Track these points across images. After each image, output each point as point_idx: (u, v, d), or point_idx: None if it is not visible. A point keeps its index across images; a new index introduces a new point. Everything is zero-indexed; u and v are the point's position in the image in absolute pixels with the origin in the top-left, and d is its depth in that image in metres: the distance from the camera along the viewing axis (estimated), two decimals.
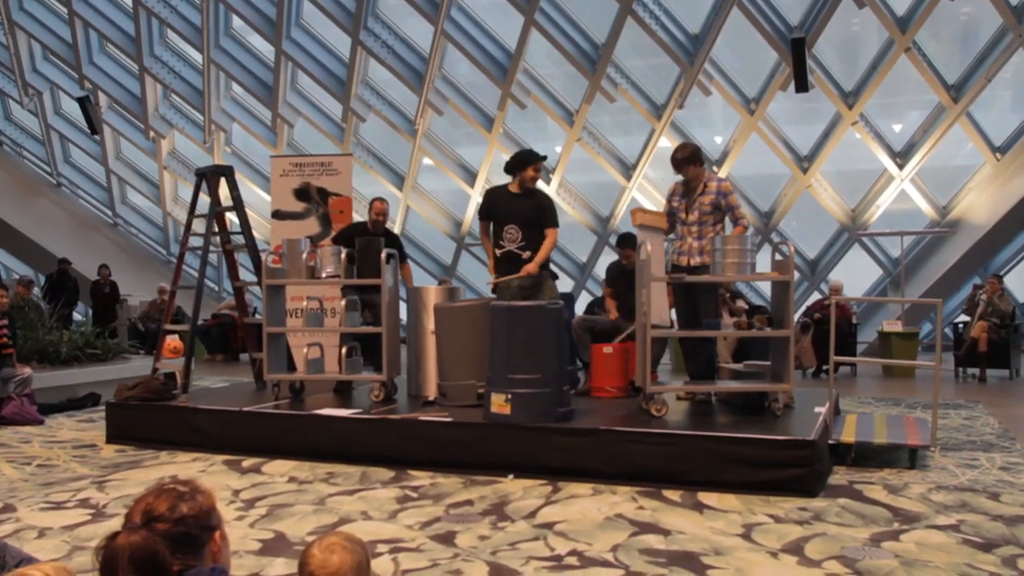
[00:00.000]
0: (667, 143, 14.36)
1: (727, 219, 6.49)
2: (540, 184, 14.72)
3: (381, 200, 7.94)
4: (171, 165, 18.16)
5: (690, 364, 6.67)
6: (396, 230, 16.40)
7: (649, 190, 15.06)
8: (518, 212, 6.79)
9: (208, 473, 5.92)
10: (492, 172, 15.29)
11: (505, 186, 6.89)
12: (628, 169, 14.93)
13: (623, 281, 7.58)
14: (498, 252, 6.80)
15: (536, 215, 6.75)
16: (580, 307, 10.19)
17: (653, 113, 14.06)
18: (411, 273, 7.82)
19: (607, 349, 7.15)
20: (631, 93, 13.92)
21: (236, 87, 16.73)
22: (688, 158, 6.43)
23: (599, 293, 14.35)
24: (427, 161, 16.22)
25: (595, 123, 14.81)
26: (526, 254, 6.73)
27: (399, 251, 7.66)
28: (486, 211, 6.84)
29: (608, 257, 15.31)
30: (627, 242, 7.69)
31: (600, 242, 15.56)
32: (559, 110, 14.67)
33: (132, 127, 18.01)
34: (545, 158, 6.88)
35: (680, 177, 6.56)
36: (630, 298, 6.88)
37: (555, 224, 6.77)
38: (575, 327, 7.48)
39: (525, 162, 6.73)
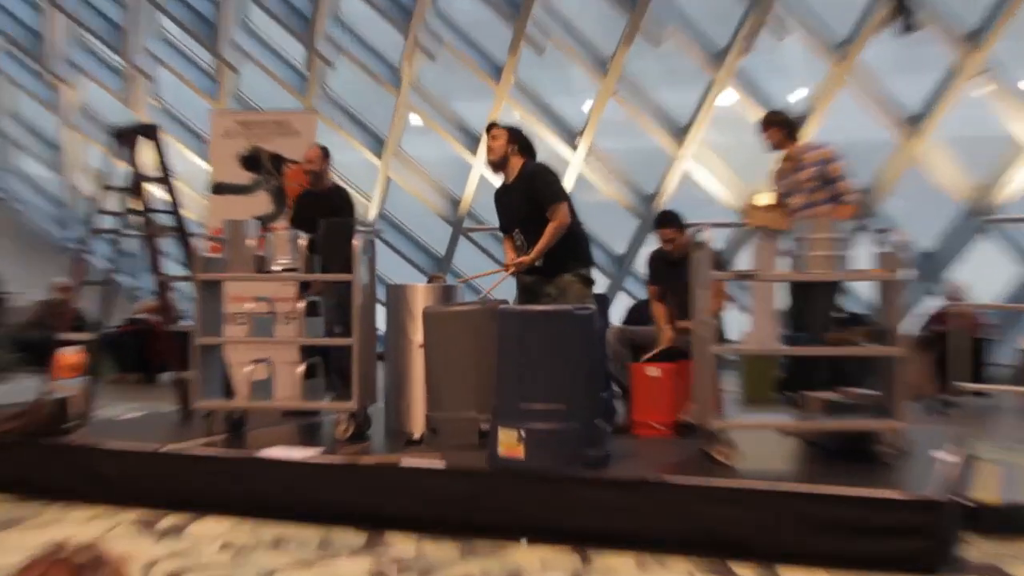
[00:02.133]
0: (729, 98, 14.22)
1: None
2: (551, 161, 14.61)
3: (311, 146, 8.20)
4: (77, 121, 18.16)
5: (792, 385, 6.66)
6: (373, 208, 16.37)
7: (705, 158, 14.90)
8: (512, 210, 6.85)
9: (113, 536, 5.78)
10: None
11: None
12: (679, 132, 14.78)
13: (670, 274, 7.47)
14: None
15: (527, 204, 6.70)
16: (617, 313, 10.03)
17: (711, 60, 13.95)
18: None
19: (653, 370, 7.02)
20: (683, 35, 13.84)
21: (166, 21, 16.71)
22: (779, 124, 6.92)
23: (642, 295, 14.32)
24: (415, 120, 16.15)
25: (636, 73, 14.70)
26: (541, 262, 6.75)
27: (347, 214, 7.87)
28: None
29: (653, 246, 15.14)
30: (668, 221, 7.64)
31: (642, 227, 15.42)
32: (588, 56, 14.61)
33: (26, 71, 17.99)
34: (493, 125, 6.94)
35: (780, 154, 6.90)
36: (683, 297, 6.77)
37: (556, 198, 6.70)
38: (611, 340, 7.41)
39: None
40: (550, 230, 6.62)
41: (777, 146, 7.19)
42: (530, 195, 6.70)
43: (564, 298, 6.65)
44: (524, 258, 6.66)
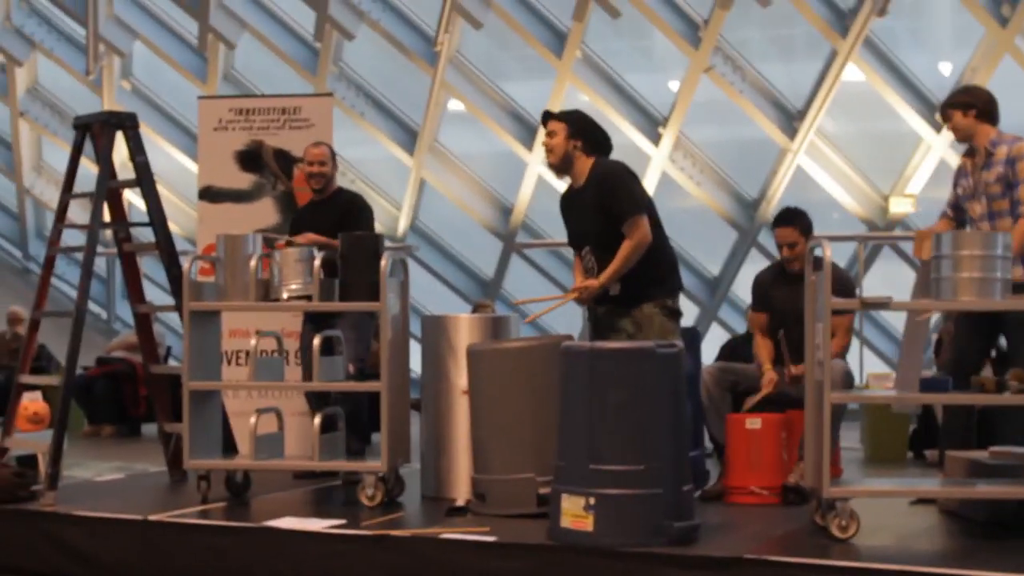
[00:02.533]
0: (856, 74, 14.27)
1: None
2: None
3: (316, 144, 8.32)
4: (32, 110, 18.46)
5: (929, 442, 6.72)
6: (403, 219, 16.60)
7: (828, 155, 14.98)
8: (581, 222, 6.88)
9: None
10: None
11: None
12: (790, 119, 14.88)
13: (787, 296, 7.45)
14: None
15: (598, 216, 6.74)
16: (709, 351, 10.16)
17: (834, 24, 14.01)
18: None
19: (753, 423, 7.11)
20: None
21: None
22: (963, 106, 6.76)
23: (740, 326, 14.39)
24: (455, 105, 16.29)
25: (735, 42, 14.79)
26: (616, 289, 6.75)
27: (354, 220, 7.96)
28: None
29: (756, 267, 15.23)
30: (791, 218, 7.59)
31: (743, 240, 15.51)
32: (675, 20, 14.67)
33: None
34: (548, 117, 6.94)
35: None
36: (797, 330, 6.78)
37: (634, 209, 6.66)
38: (708, 383, 7.44)
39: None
40: (625, 250, 6.59)
41: (962, 135, 7.06)
42: (602, 204, 6.68)
43: (643, 334, 6.66)
44: (591, 282, 6.67)
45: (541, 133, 14.49)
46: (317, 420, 7.08)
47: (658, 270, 6.74)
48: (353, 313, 7.65)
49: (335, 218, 7.98)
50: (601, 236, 6.70)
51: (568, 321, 7.34)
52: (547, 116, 6.92)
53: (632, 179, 6.80)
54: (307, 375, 7.66)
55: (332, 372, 7.29)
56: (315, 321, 7.86)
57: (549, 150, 6.85)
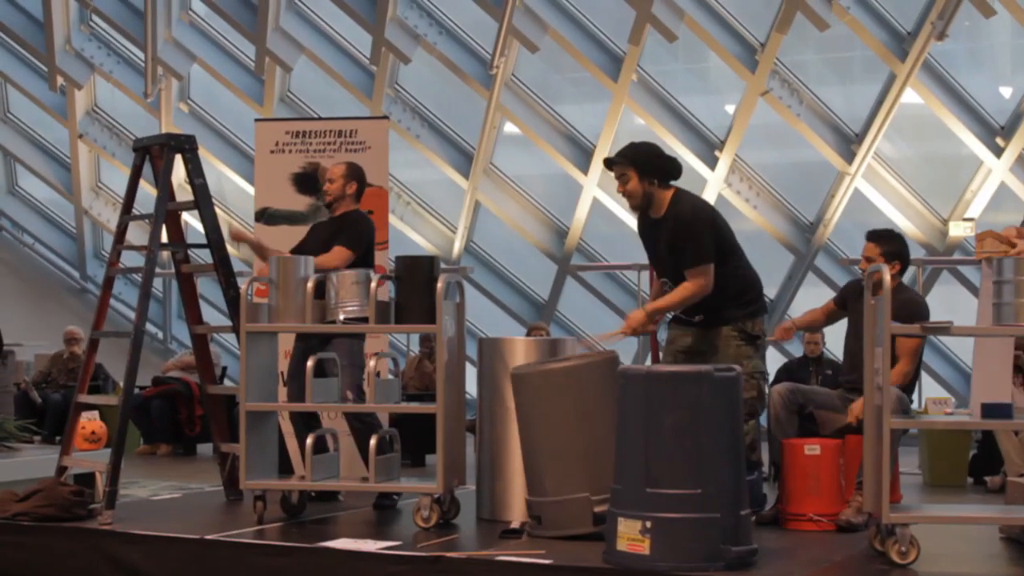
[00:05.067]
0: (914, 97, 14.20)
1: None
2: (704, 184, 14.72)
3: (338, 163, 8.17)
4: (91, 132, 18.66)
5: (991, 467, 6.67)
6: (458, 241, 16.64)
7: (886, 178, 14.92)
8: (659, 254, 7.02)
9: None
10: (618, 148, 15.31)
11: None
12: (848, 142, 14.83)
13: (861, 310, 7.40)
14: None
15: (674, 254, 6.87)
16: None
17: (893, 48, 13.97)
18: (330, 259, 7.69)
19: (811, 448, 7.09)
20: (856, 14, 13.85)
21: (198, 3, 17.13)
22: None
23: (797, 350, 14.31)
24: (511, 128, 16.34)
25: (792, 65, 14.77)
26: (698, 318, 6.87)
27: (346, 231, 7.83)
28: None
29: (813, 291, 15.19)
30: (878, 236, 7.49)
31: (800, 264, 15.45)
32: (731, 43, 14.67)
33: (28, 70, 18.53)
34: (612, 163, 7.00)
35: None
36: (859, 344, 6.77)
37: (700, 259, 6.79)
38: (775, 404, 7.39)
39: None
40: (684, 291, 6.77)
41: None
42: (676, 243, 6.84)
43: (717, 358, 6.74)
44: (636, 313, 6.81)
45: (598, 156, 14.64)
46: (373, 441, 7.12)
47: (737, 295, 6.86)
48: (346, 340, 7.62)
49: (326, 236, 7.90)
50: (675, 273, 6.89)
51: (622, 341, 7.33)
52: (610, 162, 7.00)
53: (705, 226, 6.88)
54: (299, 396, 7.60)
55: (324, 394, 7.31)
56: (307, 342, 7.79)
57: (627, 195, 6.97)
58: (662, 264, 7.05)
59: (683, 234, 6.81)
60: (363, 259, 7.79)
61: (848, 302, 7.62)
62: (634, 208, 7.07)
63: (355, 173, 8.07)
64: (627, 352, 15.10)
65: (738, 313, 6.90)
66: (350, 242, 7.75)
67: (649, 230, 7.08)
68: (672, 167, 6.98)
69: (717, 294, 6.81)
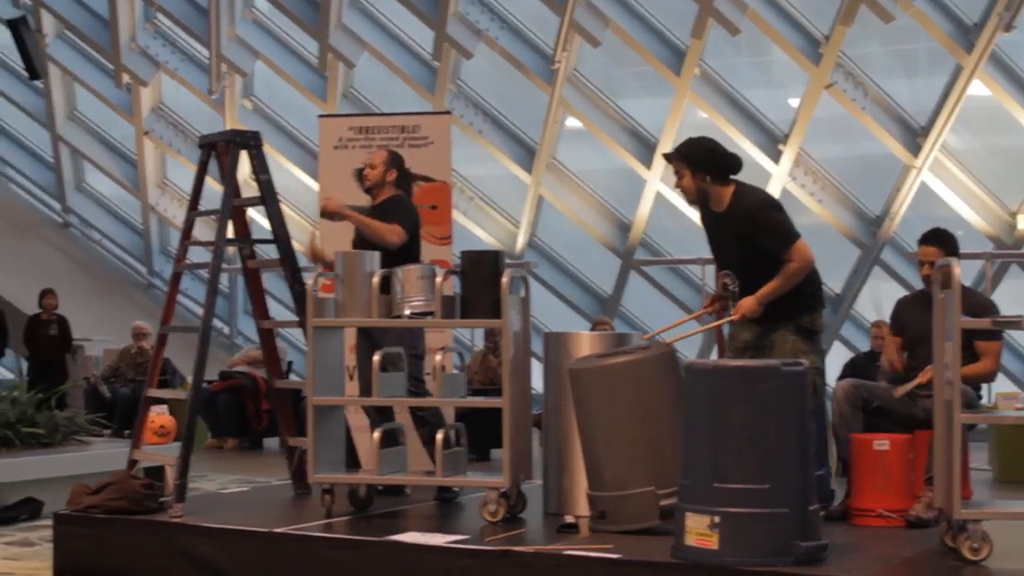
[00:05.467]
0: (981, 89, 14.09)
1: None
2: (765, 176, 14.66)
3: (380, 151, 8.17)
4: (156, 129, 18.84)
5: None
6: (521, 236, 16.66)
7: (953, 171, 14.81)
8: (724, 247, 7.00)
9: None
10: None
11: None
12: (914, 135, 14.73)
13: (918, 318, 7.36)
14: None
15: (742, 246, 6.85)
16: (833, 369, 10.08)
17: (959, 39, 13.86)
18: (389, 230, 7.72)
19: (881, 443, 7.05)
20: (921, 6, 13.76)
21: (261, 1, 17.25)
22: None
23: (864, 344, 14.25)
24: (573, 123, 16.34)
25: (857, 58, 14.68)
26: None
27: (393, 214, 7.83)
28: None
29: (879, 285, 15.10)
30: (934, 238, 7.41)
31: (865, 258, 15.36)
32: (795, 36, 14.62)
33: (95, 68, 18.74)
34: (668, 158, 7.02)
35: None
36: (926, 350, 6.75)
37: (790, 239, 6.79)
38: (838, 400, 7.36)
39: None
40: (789, 271, 6.73)
41: None
42: (748, 237, 6.80)
43: (775, 353, 6.73)
44: (747, 301, 6.75)
45: (660, 150, 14.60)
46: (439, 435, 7.15)
47: (796, 290, 6.81)
48: (401, 329, 7.62)
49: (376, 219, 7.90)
50: (743, 263, 6.86)
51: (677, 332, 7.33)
52: (667, 157, 7.03)
53: (776, 209, 6.92)
54: (366, 391, 7.66)
55: (391, 388, 7.35)
56: (371, 336, 7.84)
57: (682, 191, 6.99)
58: (726, 257, 7.02)
59: (758, 223, 6.79)
60: (409, 246, 7.83)
61: (903, 318, 7.59)
62: (690, 203, 7.09)
63: (396, 161, 8.09)
64: (691, 348, 15.11)
65: (795, 308, 6.85)
66: (403, 221, 7.79)
67: (712, 224, 7.06)
68: (728, 162, 6.93)
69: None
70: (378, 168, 8.00)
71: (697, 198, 6.94)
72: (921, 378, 7.06)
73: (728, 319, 6.99)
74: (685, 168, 6.87)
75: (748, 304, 6.79)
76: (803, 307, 6.87)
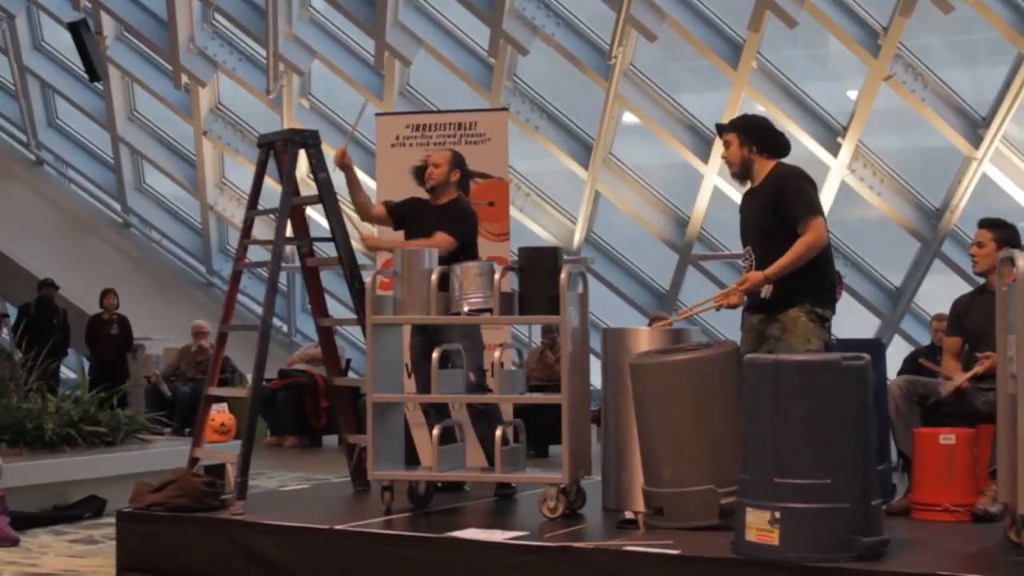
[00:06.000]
0: None
1: None
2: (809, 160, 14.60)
3: (444, 150, 8.14)
4: (215, 129, 18.98)
5: None
6: (578, 232, 16.66)
7: (1015, 162, 14.68)
8: (751, 220, 6.97)
9: None
10: None
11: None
12: (974, 127, 14.62)
13: (979, 315, 7.30)
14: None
15: (767, 216, 6.81)
16: (894, 363, 10.02)
17: (1020, 29, 13.75)
18: (434, 245, 7.67)
19: (946, 437, 7.00)
20: None
21: (318, 0, 17.33)
22: None
23: (924, 338, 14.15)
24: (630, 118, 16.33)
25: (916, 50, 14.59)
26: (765, 291, 6.80)
27: (454, 222, 7.80)
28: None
29: (940, 278, 15.00)
30: (990, 223, 7.33)
31: (926, 251, 15.27)
32: (853, 28, 14.56)
33: (154, 69, 18.91)
34: (721, 129, 7.02)
35: None
36: (988, 347, 6.70)
37: (810, 211, 6.73)
38: (894, 396, 7.33)
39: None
40: (799, 247, 6.66)
41: None
42: (774, 204, 6.77)
43: (786, 337, 6.69)
44: (755, 274, 6.71)
45: (717, 144, 14.56)
46: (499, 432, 7.16)
47: (812, 278, 6.75)
48: (460, 326, 7.61)
49: (431, 221, 7.89)
50: (763, 235, 6.84)
51: (735, 326, 7.29)
52: (720, 128, 7.07)
53: (809, 183, 6.89)
54: (424, 388, 7.69)
55: (450, 385, 7.34)
56: (426, 333, 7.85)
57: (727, 161, 7.02)
58: (750, 231, 6.98)
59: (784, 189, 6.77)
60: (465, 249, 7.83)
61: (963, 319, 7.51)
62: (733, 175, 7.07)
63: (459, 161, 8.08)
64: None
65: (811, 297, 6.77)
66: (455, 232, 7.79)
67: (746, 200, 7.09)
68: (776, 140, 6.97)
69: (793, 275, 6.72)
70: (443, 168, 7.99)
71: (740, 169, 6.95)
72: (978, 368, 7.01)
73: (734, 289, 6.92)
74: (734, 137, 6.91)
75: (755, 276, 6.75)
76: (812, 292, 6.78)
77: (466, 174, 8.11)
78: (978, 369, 7.05)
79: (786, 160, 7.00)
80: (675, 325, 8.09)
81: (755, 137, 6.91)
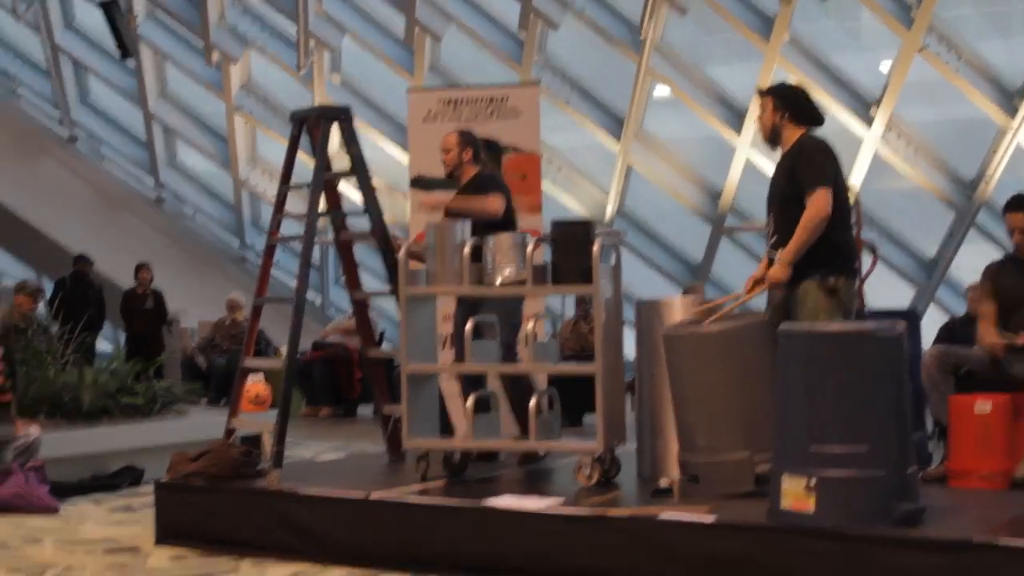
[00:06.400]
0: None
1: None
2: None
3: (451, 133, 8.13)
4: (247, 105, 19.04)
5: None
6: (611, 205, 16.67)
7: None
8: (774, 186, 6.98)
9: None
10: None
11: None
12: (1009, 97, 14.54)
13: (1015, 283, 7.30)
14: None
15: (785, 183, 6.81)
16: (928, 333, 10.00)
17: None
18: (487, 202, 7.80)
19: (982, 405, 6.99)
20: None
21: None
22: None
23: (960, 308, 14.11)
24: (662, 91, 16.32)
25: (950, 21, 14.51)
26: (778, 255, 6.80)
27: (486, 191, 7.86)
28: None
29: (975, 248, 14.94)
30: (1023, 204, 7.39)
31: (960, 221, 15.22)
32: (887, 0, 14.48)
33: (185, 46, 18.98)
34: (759, 93, 7.02)
35: None
36: None
37: (817, 181, 6.67)
38: (929, 366, 7.32)
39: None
40: (803, 224, 6.62)
41: None
42: (791, 172, 6.77)
43: (797, 310, 6.66)
44: (773, 272, 6.69)
45: (749, 117, 14.55)
46: (532, 402, 7.18)
47: (822, 248, 6.67)
48: (499, 298, 7.61)
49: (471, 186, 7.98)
50: (783, 200, 6.81)
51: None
52: (759, 92, 7.06)
53: (825, 154, 6.81)
54: (461, 358, 7.72)
55: (484, 355, 7.38)
56: (467, 305, 7.88)
57: (760, 125, 7.02)
58: (773, 197, 6.95)
59: (802, 156, 6.76)
60: (506, 213, 7.87)
61: (995, 286, 7.48)
62: (764, 140, 7.05)
63: (467, 138, 8.10)
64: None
65: (822, 268, 6.68)
66: (499, 190, 7.87)
67: (776, 170, 7.05)
68: (810, 108, 6.96)
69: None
70: (453, 151, 8.05)
71: (770, 135, 6.94)
72: (1021, 339, 7.00)
73: (758, 289, 6.92)
74: (769, 102, 6.91)
75: (775, 272, 6.72)
76: (831, 266, 6.69)
77: (478, 147, 8.13)
78: (1020, 341, 7.05)
79: (819, 131, 6.99)
80: (708, 296, 8.10)
81: (789, 103, 6.90)
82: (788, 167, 6.82)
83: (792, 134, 6.88)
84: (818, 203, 6.61)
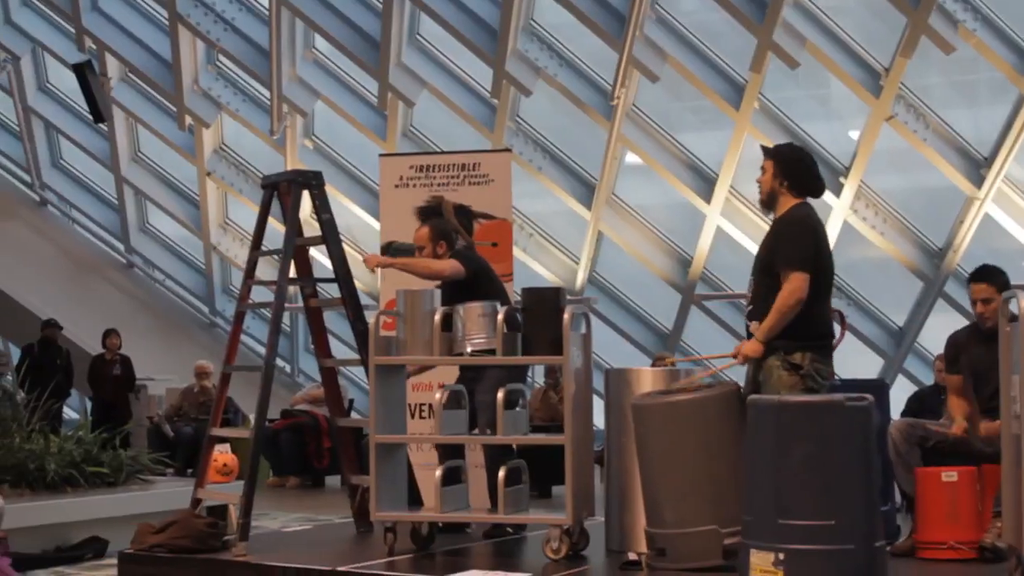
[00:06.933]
0: None
1: None
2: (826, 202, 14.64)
3: (419, 227, 8.21)
4: (218, 170, 19.00)
5: None
6: (582, 272, 16.67)
7: (1017, 202, 14.69)
8: (758, 251, 6.99)
9: None
10: (741, 176, 15.28)
11: None
12: (976, 167, 14.63)
13: (980, 355, 7.33)
14: None
15: (766, 254, 6.83)
16: (896, 402, 10.00)
17: (1021, 69, 13.79)
18: (439, 264, 7.84)
19: (949, 475, 6.99)
20: (982, 36, 13.69)
21: (321, 41, 17.39)
22: None
23: (928, 378, 14.15)
24: (633, 157, 16.36)
25: (917, 89, 14.62)
26: (753, 325, 6.78)
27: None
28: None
29: (943, 317, 14.98)
30: (986, 275, 7.47)
31: (929, 291, 15.26)
32: (855, 68, 14.58)
33: (158, 110, 18.95)
34: (764, 151, 6.99)
35: None
36: (992, 388, 6.71)
37: (792, 263, 6.63)
38: (895, 438, 7.34)
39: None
40: (777, 306, 6.59)
41: None
42: (774, 241, 6.78)
43: (763, 387, 6.62)
44: (745, 346, 6.70)
45: (720, 184, 14.61)
46: (502, 473, 7.15)
47: (790, 324, 6.61)
48: (494, 375, 7.60)
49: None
50: (763, 268, 6.81)
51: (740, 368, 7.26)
52: (764, 151, 7.01)
53: (808, 234, 6.76)
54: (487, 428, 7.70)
55: (456, 425, 7.37)
56: (465, 379, 7.87)
57: (759, 185, 6.95)
58: (757, 263, 6.92)
59: (784, 231, 6.74)
60: (481, 286, 7.83)
61: (961, 356, 7.51)
62: (760, 202, 7.01)
63: (438, 233, 8.14)
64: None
65: (787, 344, 6.63)
66: (461, 259, 7.89)
67: (767, 233, 7.03)
68: (810, 180, 6.92)
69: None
70: (427, 248, 8.12)
71: (766, 199, 6.91)
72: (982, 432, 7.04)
73: (731, 363, 6.93)
74: (771, 165, 6.86)
75: (748, 348, 6.72)
76: (797, 339, 6.64)
77: (450, 236, 8.15)
78: (984, 432, 7.07)
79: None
80: (678, 366, 8.11)
81: (789, 171, 6.86)
82: (772, 238, 6.82)
83: (787, 202, 6.85)
84: (792, 286, 6.59)
